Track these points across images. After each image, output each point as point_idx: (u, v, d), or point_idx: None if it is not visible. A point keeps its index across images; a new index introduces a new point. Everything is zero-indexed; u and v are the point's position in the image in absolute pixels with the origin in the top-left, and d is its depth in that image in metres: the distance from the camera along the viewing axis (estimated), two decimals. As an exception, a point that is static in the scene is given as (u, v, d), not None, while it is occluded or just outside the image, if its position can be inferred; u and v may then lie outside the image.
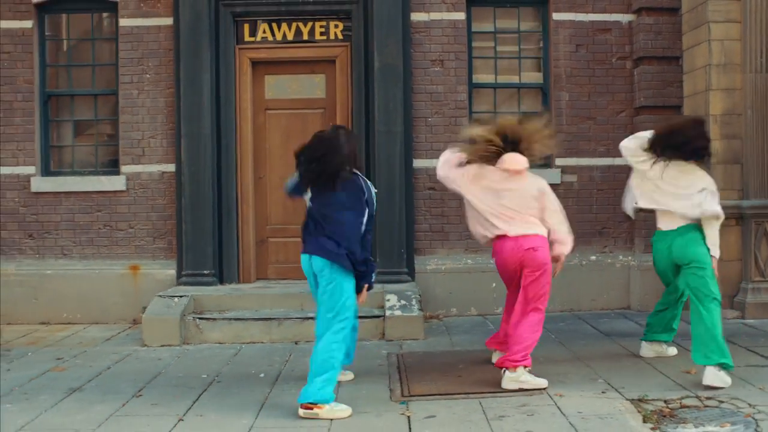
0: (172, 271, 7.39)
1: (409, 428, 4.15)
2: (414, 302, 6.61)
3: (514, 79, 7.80)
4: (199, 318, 6.49)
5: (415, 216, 7.53)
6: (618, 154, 7.55)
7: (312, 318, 6.46)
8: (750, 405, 4.39)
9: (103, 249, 7.48)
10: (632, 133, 7.51)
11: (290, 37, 7.59)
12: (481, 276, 7.45)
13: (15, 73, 7.43)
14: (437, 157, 7.28)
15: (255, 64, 7.62)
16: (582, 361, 5.53)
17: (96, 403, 4.74)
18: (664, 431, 4.03)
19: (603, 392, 4.73)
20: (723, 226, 6.81)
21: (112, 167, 7.61)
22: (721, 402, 4.47)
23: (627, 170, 7.32)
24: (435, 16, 7.53)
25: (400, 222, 7.35)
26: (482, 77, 7.78)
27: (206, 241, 7.31)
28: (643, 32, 7.49)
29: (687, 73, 7.39)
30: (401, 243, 7.36)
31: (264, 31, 7.58)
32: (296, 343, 6.41)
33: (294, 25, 7.59)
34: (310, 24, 7.59)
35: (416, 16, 7.52)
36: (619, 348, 5.93)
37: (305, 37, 7.60)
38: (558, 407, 4.44)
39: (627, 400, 4.55)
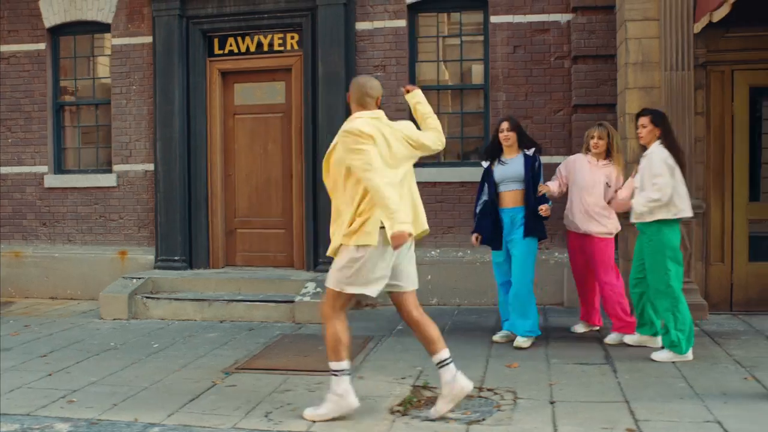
0: (152, 257, 8.56)
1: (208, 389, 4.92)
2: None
3: (457, 81, 8.14)
4: (146, 297, 7.58)
5: (358, 211, 8.12)
6: (556, 153, 7.80)
7: (239, 300, 7.38)
8: (517, 397, 4.66)
9: (99, 236, 8.81)
10: (570, 132, 7.70)
11: (252, 48, 8.46)
12: (418, 269, 7.87)
13: (33, 88, 8.94)
14: (379, 156, 7.93)
15: (224, 74, 8.57)
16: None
17: (10, 360, 5.92)
18: (409, 414, 4.45)
19: (404, 378, 5.17)
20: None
21: (108, 166, 8.91)
22: (495, 393, 4.77)
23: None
24: (378, 24, 8.06)
25: (341, 216, 7.98)
26: (428, 80, 8.19)
27: (177, 231, 8.39)
28: (577, 31, 7.56)
29: (618, 71, 7.37)
30: (341, 236, 7.99)
31: (230, 45, 8.50)
32: (221, 322, 7.32)
33: (256, 38, 8.44)
34: (269, 36, 8.41)
35: (361, 25, 8.09)
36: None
37: (265, 48, 8.43)
38: (344, 386, 4.99)
39: (411, 386, 4.97)
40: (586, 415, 4.25)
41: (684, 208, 5.36)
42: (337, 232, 4.36)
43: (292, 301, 7.19)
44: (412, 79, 8.05)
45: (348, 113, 7.88)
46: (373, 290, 4.27)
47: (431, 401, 4.59)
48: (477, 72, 8.14)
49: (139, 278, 7.83)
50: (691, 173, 6.77)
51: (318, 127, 8.03)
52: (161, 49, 8.36)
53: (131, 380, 5.27)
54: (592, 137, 6.03)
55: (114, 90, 8.71)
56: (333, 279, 4.35)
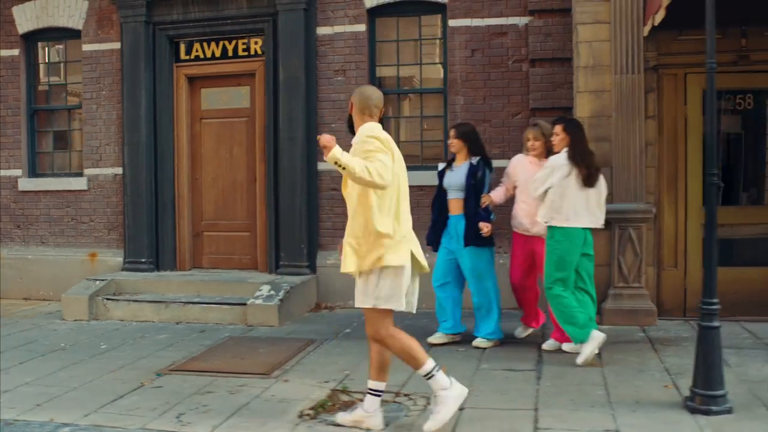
0: (121, 259, 8.70)
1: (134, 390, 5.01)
2: (281, 293, 7.31)
3: (417, 85, 8.16)
4: (107, 299, 7.70)
5: (319, 214, 8.19)
6: (514, 156, 7.77)
7: (195, 303, 7.48)
8: (429, 403, 4.66)
9: (71, 238, 8.98)
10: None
11: (218, 54, 8.55)
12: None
13: (7, 93, 9.13)
14: (339, 160, 7.97)
15: (191, 79, 8.68)
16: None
17: (-41, 359, 6.09)
18: (317, 419, 4.48)
19: (327, 382, 5.21)
20: (591, 231, 6.91)
21: (80, 170, 9.07)
22: (410, 398, 4.79)
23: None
24: (339, 29, 8.10)
25: (301, 220, 8.05)
26: (387, 84, 8.21)
27: (144, 234, 8.51)
28: (534, 34, 7.53)
29: (574, 74, 7.32)
30: (302, 239, 8.06)
31: (197, 50, 8.60)
32: (177, 324, 7.42)
33: (221, 43, 8.54)
34: (234, 42, 8.50)
35: (321, 30, 8.14)
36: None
37: (230, 53, 8.52)
38: (264, 388, 5.04)
39: (330, 390, 5.01)
40: (488, 423, 4.26)
41: (569, 218, 5.52)
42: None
43: (245, 304, 7.26)
44: (372, 83, 8.08)
45: (309, 117, 8.04)
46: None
47: (346, 405, 4.63)
48: (436, 76, 8.14)
49: (102, 280, 7.96)
50: (641, 177, 6.75)
51: (279, 131, 8.10)
52: (128, 55, 8.49)
53: (64, 381, 5.38)
54: (528, 139, 6.03)
55: (85, 95, 8.86)
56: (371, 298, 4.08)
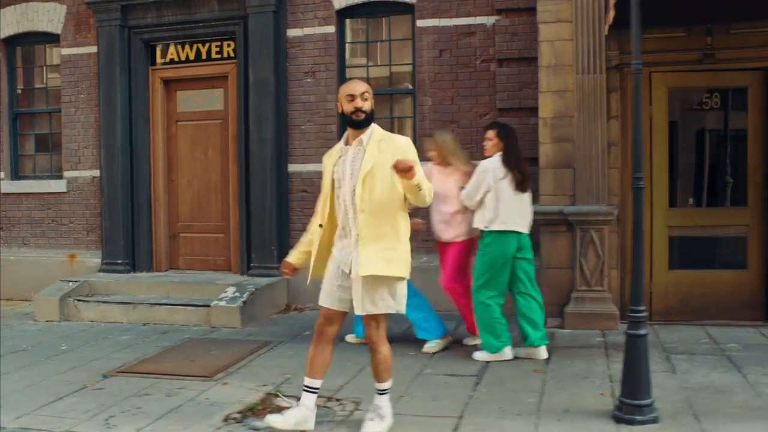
0: (99, 260, 8.80)
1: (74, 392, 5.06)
2: (245, 295, 7.33)
3: (386, 86, 8.11)
4: (78, 300, 7.80)
5: (290, 216, 8.20)
6: (481, 157, 7.69)
7: (162, 304, 7.54)
8: (357, 408, 4.64)
9: (51, 240, 9.11)
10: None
11: (192, 57, 8.60)
12: (348, 273, 7.90)
13: (-10, 97, 9.30)
14: (310, 162, 8.02)
15: (167, 82, 8.74)
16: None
17: None
18: (242, 422, 4.48)
19: (265, 385, 5.21)
20: (554, 233, 6.85)
21: (59, 172, 9.18)
22: (340, 403, 4.76)
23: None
24: (308, 30, 8.09)
25: (271, 221, 8.06)
26: (359, 85, 8.17)
27: (120, 236, 8.60)
28: (500, 34, 7.45)
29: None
30: (272, 240, 8.08)
31: (172, 53, 8.66)
32: (144, 325, 7.48)
33: (195, 46, 8.58)
34: (207, 45, 8.53)
35: (292, 32, 8.13)
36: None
37: (204, 56, 8.56)
38: (202, 391, 5.06)
39: (265, 393, 5.01)
40: (407, 430, 4.22)
41: (506, 221, 5.49)
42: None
43: (209, 306, 7.29)
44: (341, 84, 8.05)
45: (279, 119, 8.01)
46: None
47: (278, 409, 4.63)
48: (406, 77, 8.09)
49: (76, 281, 8.05)
50: (603, 178, 6.64)
51: (249, 133, 8.12)
52: (104, 59, 8.57)
53: (13, 382, 5.45)
54: (429, 149, 6.04)
55: (64, 98, 8.97)
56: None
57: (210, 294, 7.65)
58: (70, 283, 8.03)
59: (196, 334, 7.01)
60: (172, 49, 8.66)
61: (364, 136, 4.04)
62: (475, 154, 7.57)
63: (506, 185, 5.49)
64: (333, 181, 4.09)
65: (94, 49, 8.77)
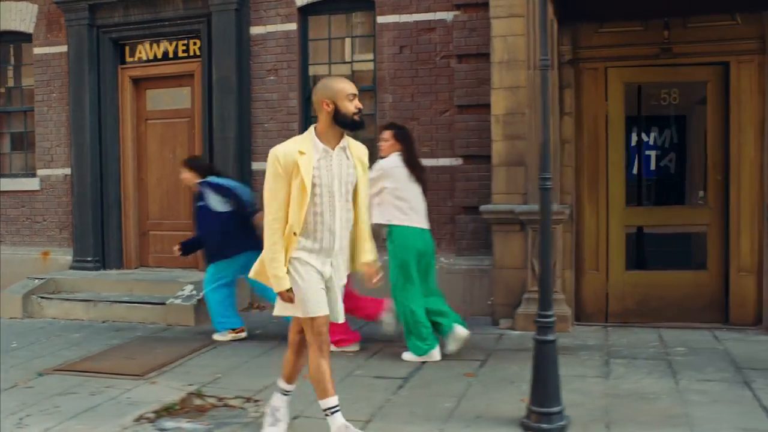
0: (71, 257, 8.87)
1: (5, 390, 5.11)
2: (202, 293, 7.30)
3: (349, 83, 8.02)
4: (41, 297, 7.87)
5: (254, 214, 8.15)
6: (442, 155, 7.62)
7: (121, 302, 7.58)
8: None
9: (26, 237, 9.21)
10: (455, 133, 7.49)
11: (159, 55, 8.62)
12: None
13: (-34, 96, 9.42)
14: (273, 159, 7.93)
15: (136, 80, 8.77)
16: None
17: None
18: (154, 423, 4.47)
19: (192, 384, 5.19)
20: (507, 233, 6.73)
21: (33, 171, 9.28)
22: (256, 404, 4.72)
23: (449, 170, 7.42)
24: (271, 28, 8.04)
25: (235, 220, 8.03)
26: (323, 82, 8.10)
27: (90, 233, 8.65)
28: (458, 29, 7.32)
29: (495, 70, 7.09)
30: (236, 239, 8.04)
31: (140, 52, 8.69)
32: (104, 322, 7.53)
33: (162, 45, 8.60)
34: (174, 43, 8.54)
35: (255, 30, 8.10)
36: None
37: (171, 55, 8.57)
38: (126, 390, 5.06)
39: (186, 393, 4.99)
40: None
41: (411, 217, 5.52)
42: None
43: (163, 303, 7.31)
44: (305, 83, 8.01)
45: (242, 117, 7.98)
46: None
47: (199, 409, 4.62)
48: (367, 74, 8.00)
49: (41, 278, 8.14)
50: (556, 177, 6.48)
51: (213, 131, 8.11)
52: (74, 58, 8.62)
53: (-51, 381, 5.51)
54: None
55: (36, 97, 9.06)
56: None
57: (170, 292, 7.66)
58: (36, 281, 8.11)
59: (150, 332, 7.03)
60: (140, 47, 8.68)
61: (344, 140, 3.75)
62: (436, 151, 7.54)
63: (409, 183, 5.54)
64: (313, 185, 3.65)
65: (65, 48, 8.82)
